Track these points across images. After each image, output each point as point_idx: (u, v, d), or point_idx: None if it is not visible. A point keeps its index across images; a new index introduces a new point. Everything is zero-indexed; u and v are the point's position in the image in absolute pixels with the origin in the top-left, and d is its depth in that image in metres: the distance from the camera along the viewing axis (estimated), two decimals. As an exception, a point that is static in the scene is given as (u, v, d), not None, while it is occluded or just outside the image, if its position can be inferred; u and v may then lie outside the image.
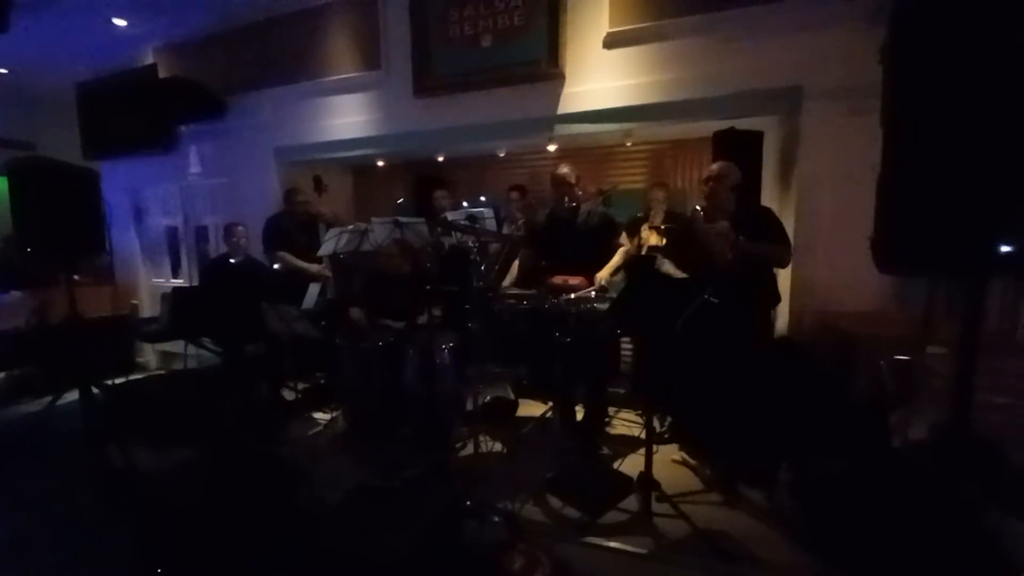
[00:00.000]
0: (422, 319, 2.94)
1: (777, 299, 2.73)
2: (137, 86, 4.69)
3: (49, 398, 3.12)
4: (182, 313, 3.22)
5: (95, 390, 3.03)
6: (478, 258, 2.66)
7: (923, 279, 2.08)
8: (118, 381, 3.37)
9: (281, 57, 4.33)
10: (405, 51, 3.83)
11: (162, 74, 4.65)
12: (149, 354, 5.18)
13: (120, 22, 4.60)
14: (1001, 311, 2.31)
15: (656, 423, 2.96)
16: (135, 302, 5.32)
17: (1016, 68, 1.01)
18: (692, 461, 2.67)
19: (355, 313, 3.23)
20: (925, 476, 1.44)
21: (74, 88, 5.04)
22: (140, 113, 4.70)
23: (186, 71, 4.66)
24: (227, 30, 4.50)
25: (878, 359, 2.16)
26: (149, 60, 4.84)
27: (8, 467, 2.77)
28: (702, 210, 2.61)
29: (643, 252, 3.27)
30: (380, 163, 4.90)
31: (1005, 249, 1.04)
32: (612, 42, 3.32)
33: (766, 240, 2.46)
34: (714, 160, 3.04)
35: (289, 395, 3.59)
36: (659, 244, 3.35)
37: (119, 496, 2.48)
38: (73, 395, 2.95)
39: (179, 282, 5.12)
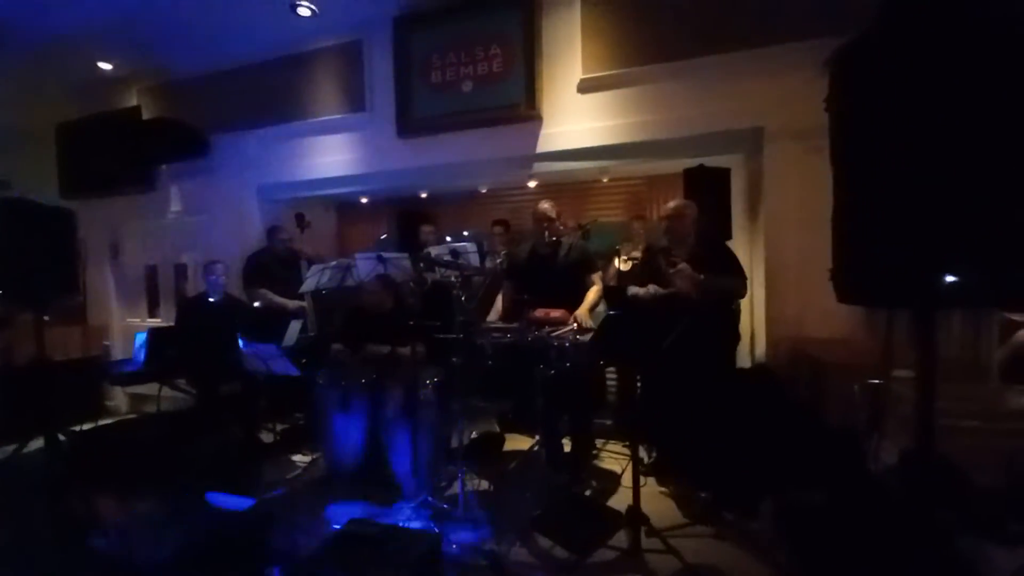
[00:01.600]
0: (405, 354, 2.92)
1: (737, 338, 2.86)
2: (120, 126, 4.72)
3: (13, 447, 2.96)
4: (158, 354, 3.14)
5: (61, 437, 2.90)
6: (461, 293, 2.69)
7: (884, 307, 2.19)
8: (86, 427, 3.23)
9: (267, 99, 4.44)
10: (389, 94, 3.97)
11: (146, 115, 4.70)
12: (120, 397, 4.98)
13: (106, 66, 4.68)
14: (962, 336, 2.43)
15: (644, 455, 2.96)
16: (107, 343, 5.15)
17: (945, 110, 1.12)
18: (679, 493, 2.65)
19: (337, 349, 3.19)
20: (898, 501, 1.47)
21: (54, 127, 5.04)
22: (122, 153, 4.71)
23: (170, 112, 4.72)
24: (213, 73, 4.61)
25: (850, 384, 2.23)
26: (133, 102, 4.90)
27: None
28: (665, 248, 2.76)
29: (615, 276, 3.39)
30: (364, 200, 4.96)
31: (950, 280, 1.12)
32: (586, 87, 3.51)
33: (724, 271, 2.65)
34: (685, 195, 3.20)
35: (267, 437, 3.48)
36: (626, 270, 3.49)
37: (83, 553, 2.34)
38: (39, 443, 2.82)
39: (156, 321, 4.99)
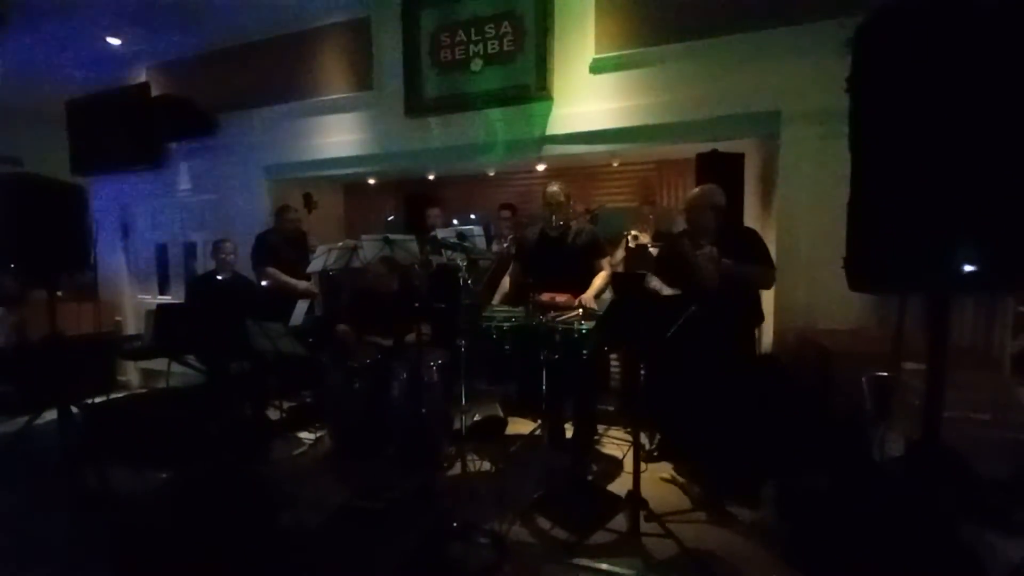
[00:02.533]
0: (410, 336, 2.94)
1: (760, 318, 2.77)
2: (129, 104, 4.71)
3: (26, 418, 3.03)
4: (167, 330, 3.18)
5: (74, 410, 2.96)
6: (467, 275, 2.68)
7: (897, 297, 2.14)
8: (98, 400, 3.30)
9: (274, 77, 4.40)
10: (397, 73, 3.91)
11: (155, 92, 4.68)
12: (132, 372, 5.08)
13: (114, 41, 4.65)
14: (975, 327, 2.38)
15: (645, 440, 2.97)
16: (119, 319, 5.24)
17: (971, 96, 1.07)
18: (680, 479, 2.67)
19: (342, 330, 3.21)
20: (904, 490, 1.46)
21: (64, 105, 5.05)
22: (131, 130, 4.72)
23: (179, 89, 4.70)
24: (221, 50, 4.57)
25: (858, 375, 2.21)
26: (142, 79, 4.87)
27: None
28: (686, 232, 2.67)
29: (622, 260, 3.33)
30: (371, 181, 4.94)
31: (967, 268, 1.08)
32: (598, 67, 3.43)
33: (750, 261, 2.52)
34: (697, 180, 3.13)
35: (274, 414, 3.53)
36: (646, 243, 3.41)
37: (97, 520, 2.41)
38: (52, 415, 2.88)
39: (166, 299, 5.05)
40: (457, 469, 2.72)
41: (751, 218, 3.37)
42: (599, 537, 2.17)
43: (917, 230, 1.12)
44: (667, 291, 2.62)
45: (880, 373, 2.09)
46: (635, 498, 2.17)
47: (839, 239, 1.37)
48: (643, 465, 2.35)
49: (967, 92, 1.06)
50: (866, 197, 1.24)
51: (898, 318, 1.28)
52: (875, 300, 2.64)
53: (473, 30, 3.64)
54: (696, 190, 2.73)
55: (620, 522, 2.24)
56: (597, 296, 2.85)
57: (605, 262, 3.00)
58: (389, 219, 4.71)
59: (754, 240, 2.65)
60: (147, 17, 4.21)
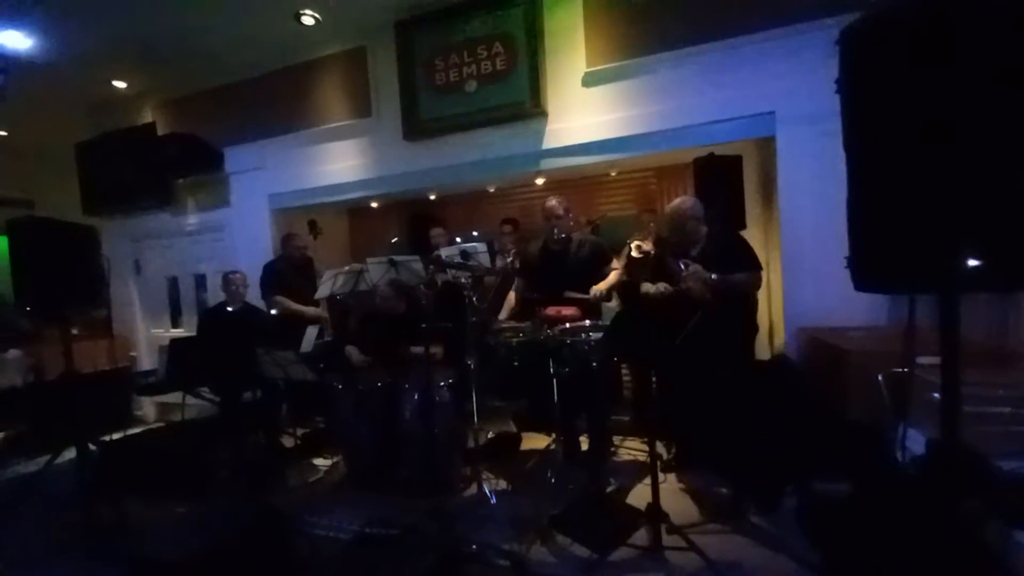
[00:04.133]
0: (419, 357, 2.94)
1: (755, 329, 2.78)
2: (136, 143, 4.84)
3: (46, 457, 3.07)
4: (181, 364, 3.21)
5: (92, 447, 2.99)
6: (472, 293, 2.69)
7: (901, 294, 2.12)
8: (115, 437, 3.33)
9: (275, 109, 4.51)
10: (394, 98, 4.00)
11: (160, 131, 4.82)
12: (147, 406, 5.13)
13: (120, 84, 4.80)
14: (988, 319, 2.34)
15: (663, 451, 2.93)
16: (133, 354, 5.31)
17: (968, 88, 1.07)
18: (699, 489, 2.62)
19: (351, 353, 3.23)
20: (926, 492, 1.43)
21: (73, 146, 5.20)
22: (140, 169, 4.84)
23: (184, 126, 4.82)
24: (223, 86, 4.70)
25: (872, 374, 2.17)
26: (148, 118, 5.02)
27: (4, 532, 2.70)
28: (674, 244, 2.69)
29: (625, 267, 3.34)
30: (374, 204, 5.01)
31: (972, 264, 1.07)
32: (590, 80, 3.48)
33: (738, 266, 2.55)
34: (695, 185, 3.15)
35: (288, 441, 3.54)
36: (648, 251, 3.41)
37: (116, 556, 2.41)
38: (71, 453, 2.92)
39: (179, 331, 5.12)
40: (473, 489, 2.69)
41: (753, 219, 3.36)
42: (621, 553, 2.13)
43: (917, 228, 1.11)
44: (659, 290, 2.65)
45: (896, 370, 2.06)
46: (655, 511, 2.13)
47: (843, 237, 1.36)
48: (661, 476, 2.31)
49: (965, 84, 1.06)
50: (864, 196, 1.24)
51: (909, 313, 1.27)
52: (886, 297, 2.61)
53: (466, 52, 3.71)
54: (669, 207, 2.77)
55: (641, 536, 2.20)
56: (610, 289, 2.87)
57: (616, 262, 3.02)
58: (393, 241, 4.76)
59: (740, 245, 2.68)
60: (150, 60, 4.36)
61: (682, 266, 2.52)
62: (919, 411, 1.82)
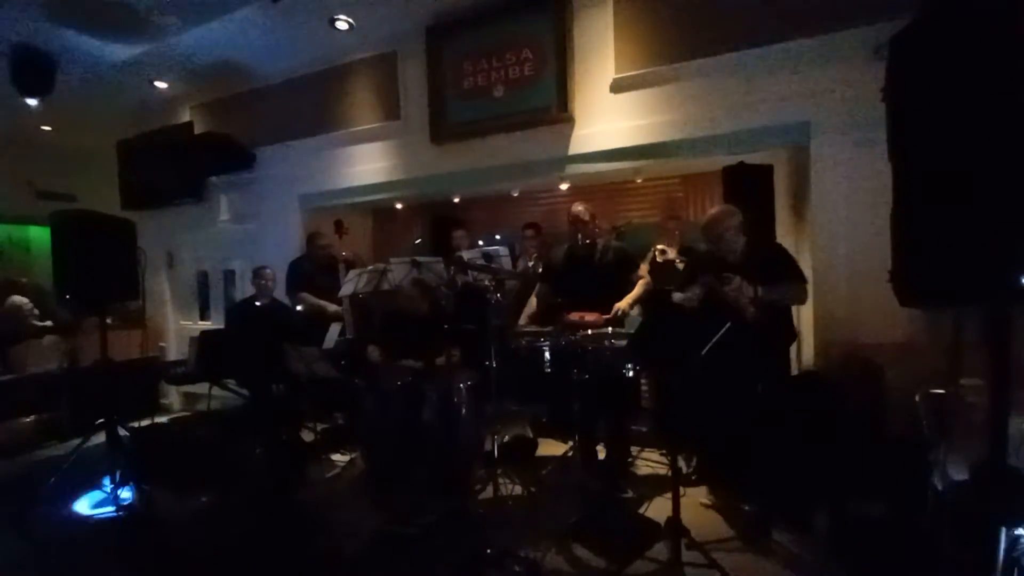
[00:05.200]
0: (440, 358, 2.95)
1: (793, 337, 2.68)
2: (174, 142, 5.03)
3: (77, 441, 3.18)
4: (210, 355, 3.30)
5: (123, 433, 3.09)
6: (494, 296, 2.69)
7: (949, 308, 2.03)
8: (144, 424, 3.43)
9: (307, 112, 4.63)
10: (422, 102, 4.05)
11: (197, 130, 4.99)
12: (173, 395, 5.27)
13: (162, 84, 5.00)
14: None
15: (683, 464, 2.87)
16: (163, 344, 5.48)
17: (1011, 100, 1.03)
18: (721, 504, 2.55)
19: (372, 352, 3.26)
20: (965, 517, 1.36)
21: (114, 144, 5.43)
22: (176, 166, 5.02)
23: (219, 126, 4.99)
24: (258, 88, 4.85)
25: (909, 393, 2.08)
26: (186, 118, 5.20)
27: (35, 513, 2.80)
28: (711, 257, 2.60)
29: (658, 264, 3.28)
30: (399, 205, 5.07)
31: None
32: (619, 87, 3.46)
33: (781, 278, 2.45)
34: (724, 194, 3.09)
35: (308, 436, 3.59)
36: (673, 259, 3.34)
37: (141, 542, 2.48)
38: (100, 438, 3.02)
39: (206, 324, 5.26)
40: (489, 492, 2.68)
41: (783, 230, 3.28)
42: (638, 566, 2.09)
43: (966, 241, 1.07)
44: (689, 299, 2.57)
45: (935, 390, 1.97)
46: (675, 525, 2.08)
47: (879, 250, 1.32)
48: (682, 489, 2.26)
49: (1010, 99, 1.02)
50: (910, 208, 1.20)
51: (953, 330, 1.22)
52: (925, 312, 2.51)
53: (494, 58, 3.74)
54: (707, 216, 2.65)
55: (660, 550, 2.15)
56: (633, 305, 2.82)
57: (643, 270, 2.98)
58: (416, 242, 4.81)
59: (782, 256, 2.57)
60: (191, 64, 4.53)
61: (726, 279, 2.41)
62: (961, 433, 1.74)
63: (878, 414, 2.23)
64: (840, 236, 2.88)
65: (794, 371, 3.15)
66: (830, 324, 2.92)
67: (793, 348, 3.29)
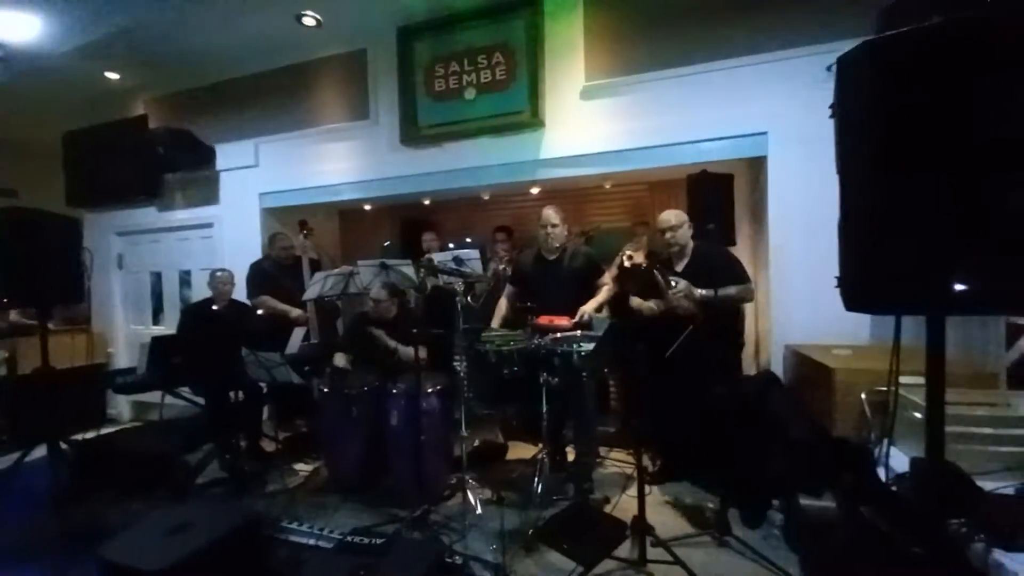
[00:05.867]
0: (407, 362, 2.91)
1: (741, 344, 2.82)
2: (126, 136, 4.76)
3: (17, 454, 2.96)
4: (162, 362, 3.13)
5: (64, 446, 2.90)
6: (463, 299, 2.68)
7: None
8: (88, 436, 3.22)
9: (271, 108, 4.48)
10: (393, 103, 4.00)
11: (152, 124, 4.75)
12: (122, 405, 4.98)
13: (113, 75, 4.73)
14: (968, 340, 2.41)
15: (648, 463, 2.93)
16: (111, 351, 5.16)
17: (955, 120, 1.12)
18: (685, 501, 2.63)
19: (339, 359, 3.19)
20: (909, 510, 1.45)
21: (60, 137, 5.09)
22: (128, 162, 4.75)
23: (176, 121, 4.76)
24: (219, 82, 4.66)
25: (857, 392, 2.21)
26: (140, 111, 4.94)
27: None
28: (661, 260, 2.73)
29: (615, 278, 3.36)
30: (367, 207, 4.98)
31: (960, 288, 1.10)
32: (588, 94, 3.53)
33: (727, 280, 2.58)
34: (688, 201, 3.20)
35: (269, 445, 3.46)
36: (640, 263, 3.42)
37: (87, 559, 2.32)
38: (42, 451, 2.82)
39: (160, 329, 5.00)
40: (458, 498, 2.66)
41: (743, 237, 3.42)
42: (605, 565, 2.12)
43: (906, 251, 1.14)
44: (648, 306, 2.67)
45: (879, 388, 2.10)
46: (641, 523, 2.13)
47: (831, 256, 1.39)
48: (647, 488, 2.31)
49: (955, 113, 1.10)
50: (855, 219, 1.27)
51: (895, 333, 1.31)
52: (868, 316, 2.67)
53: (466, 60, 3.74)
54: (667, 215, 2.77)
55: (626, 548, 2.19)
56: (598, 309, 2.88)
57: (607, 277, 3.04)
58: (385, 244, 4.73)
59: (728, 259, 2.71)
60: (146, 54, 4.31)
61: (673, 283, 2.53)
62: (902, 429, 1.86)
63: (828, 411, 2.35)
64: (795, 242, 3.03)
65: (752, 371, 3.29)
66: (786, 326, 3.06)
67: (751, 349, 3.43)
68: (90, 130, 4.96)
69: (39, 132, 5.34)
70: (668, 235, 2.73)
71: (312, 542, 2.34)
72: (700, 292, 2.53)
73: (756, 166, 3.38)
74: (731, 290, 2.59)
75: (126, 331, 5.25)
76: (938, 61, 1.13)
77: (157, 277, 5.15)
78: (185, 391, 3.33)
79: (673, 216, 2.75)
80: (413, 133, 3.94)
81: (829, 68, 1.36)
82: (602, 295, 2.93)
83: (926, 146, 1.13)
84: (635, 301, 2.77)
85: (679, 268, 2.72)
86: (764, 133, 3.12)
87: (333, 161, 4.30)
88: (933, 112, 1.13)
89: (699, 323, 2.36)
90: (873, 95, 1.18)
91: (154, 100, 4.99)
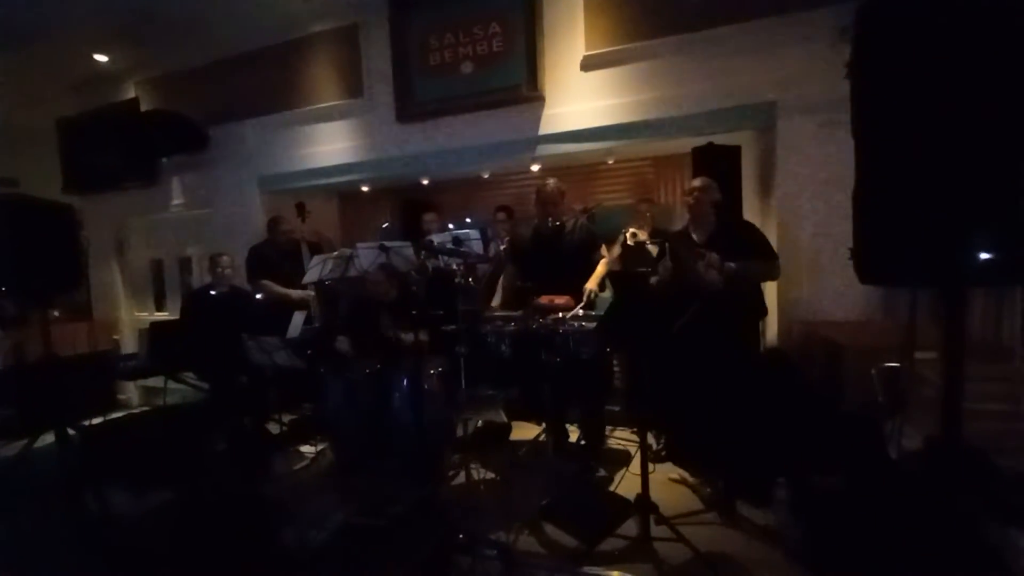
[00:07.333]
0: (409, 344, 2.88)
1: (764, 311, 2.73)
2: (119, 120, 4.67)
3: (23, 442, 2.99)
4: (161, 348, 3.13)
5: (71, 432, 2.92)
6: (464, 280, 2.63)
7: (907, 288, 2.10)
8: (95, 421, 3.25)
9: (263, 88, 4.37)
10: (387, 79, 3.88)
11: (144, 107, 4.65)
12: (131, 391, 5.03)
13: (102, 58, 4.62)
14: (984, 315, 2.33)
15: (652, 441, 2.91)
16: (116, 337, 5.19)
17: (980, 78, 1.03)
18: (690, 479, 2.61)
19: (342, 343, 3.16)
20: (921, 487, 1.41)
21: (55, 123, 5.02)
22: (122, 147, 4.68)
23: (169, 103, 4.66)
24: (210, 63, 4.54)
25: (868, 368, 2.15)
26: (131, 94, 4.84)
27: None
28: (684, 232, 2.62)
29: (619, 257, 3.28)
30: (365, 188, 4.90)
31: (983, 257, 1.04)
32: (589, 64, 3.39)
33: (752, 256, 2.48)
34: (694, 175, 3.09)
35: (274, 428, 3.48)
36: (644, 240, 3.34)
37: (97, 544, 2.36)
38: (50, 437, 2.84)
39: (163, 315, 5.01)
40: (462, 478, 2.66)
41: (750, 211, 3.32)
42: (609, 544, 2.12)
43: (928, 220, 1.07)
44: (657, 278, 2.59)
45: (891, 364, 2.04)
46: (644, 502, 2.12)
47: (841, 230, 1.33)
48: (651, 466, 2.30)
49: (978, 76, 1.01)
50: (872, 186, 1.19)
51: (910, 307, 1.24)
52: (881, 290, 2.59)
53: (461, 32, 3.60)
54: (696, 180, 2.69)
55: (630, 527, 2.19)
56: (601, 286, 2.82)
57: (604, 250, 2.96)
58: (384, 226, 4.66)
59: (754, 233, 2.61)
60: (133, 33, 4.19)
61: (700, 255, 2.43)
62: (915, 405, 1.81)
63: (838, 387, 2.31)
64: (804, 216, 2.93)
65: (760, 348, 3.23)
66: (794, 303, 2.99)
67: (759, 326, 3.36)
68: (81, 116, 4.88)
69: (36, 119, 5.26)
70: (692, 197, 2.63)
71: (318, 524, 2.35)
72: (730, 265, 2.42)
73: (765, 137, 3.26)
74: (758, 265, 2.49)
75: (130, 318, 5.27)
76: (972, 15, 1.03)
77: (157, 264, 5.13)
78: (190, 376, 3.34)
79: (700, 180, 2.66)
80: (409, 109, 3.83)
81: (843, 31, 1.27)
82: (600, 269, 2.86)
83: (954, 105, 1.04)
84: (655, 278, 2.67)
85: (701, 240, 2.62)
86: (773, 102, 2.98)
87: (328, 142, 4.20)
88: (961, 71, 1.03)
89: (721, 297, 2.28)
90: (898, 50, 1.09)
91: (144, 83, 4.88)
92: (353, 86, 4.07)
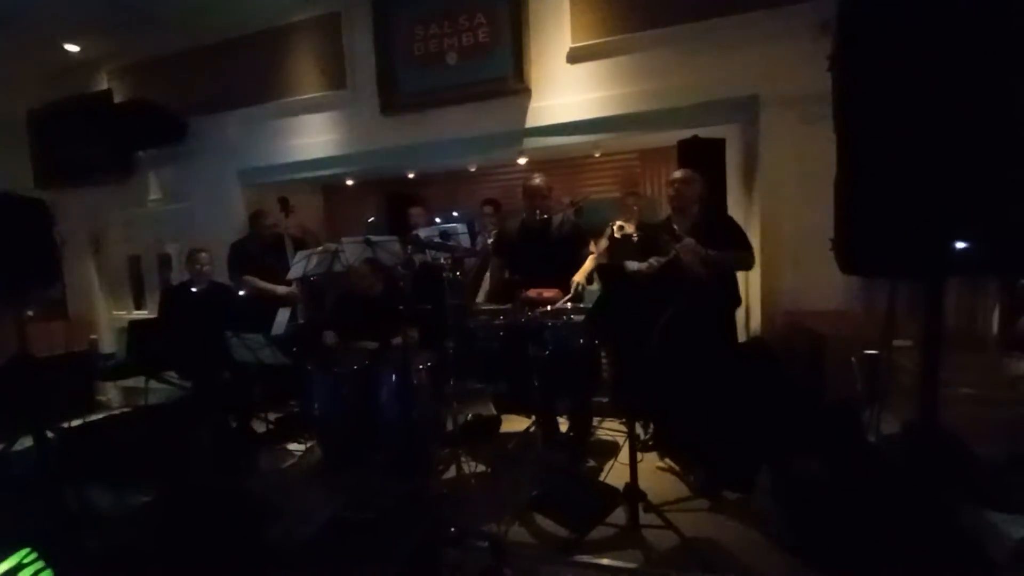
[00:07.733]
0: (396, 339, 2.87)
1: (738, 301, 2.80)
2: (91, 111, 4.51)
3: (1, 446, 2.90)
4: (141, 347, 3.06)
5: (50, 434, 2.84)
6: (451, 274, 2.62)
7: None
8: (74, 424, 3.17)
9: (243, 78, 4.25)
10: (370, 70, 3.81)
11: (118, 98, 4.50)
12: (111, 391, 4.91)
13: (73, 48, 4.45)
14: (959, 306, 2.40)
15: (640, 430, 2.95)
16: (94, 337, 5.05)
17: (961, 71, 1.04)
18: (676, 468, 2.66)
19: (328, 338, 3.13)
20: (899, 472, 1.46)
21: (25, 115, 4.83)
22: (96, 139, 4.52)
23: (144, 94, 4.51)
24: (185, 51, 4.40)
25: (847, 356, 2.21)
26: (104, 85, 4.68)
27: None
28: (668, 221, 2.67)
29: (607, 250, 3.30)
30: (349, 182, 4.83)
31: (960, 247, 1.06)
32: (575, 57, 3.37)
33: (730, 246, 2.56)
34: (679, 167, 3.11)
35: (260, 427, 3.44)
36: (631, 233, 3.37)
37: (79, 547, 2.31)
38: (28, 441, 2.76)
39: (142, 314, 4.88)
40: (452, 472, 2.67)
41: (734, 203, 3.35)
42: (599, 532, 2.15)
43: (907, 211, 1.09)
44: (642, 267, 2.63)
45: (870, 352, 2.10)
46: (633, 490, 2.15)
47: (823, 222, 1.34)
48: (639, 455, 2.33)
49: (958, 68, 1.03)
50: (853, 177, 1.21)
51: (889, 297, 1.27)
52: (861, 280, 2.65)
53: (447, 23, 3.55)
54: (677, 172, 2.74)
55: (619, 515, 2.22)
56: (588, 279, 2.84)
57: (592, 246, 2.98)
58: (370, 220, 4.61)
59: (732, 226, 2.69)
60: (104, 21, 4.03)
61: (680, 237, 2.50)
62: (893, 393, 1.86)
63: (819, 377, 2.36)
64: (786, 208, 2.98)
65: (742, 338, 3.29)
66: (776, 293, 3.05)
67: (741, 316, 3.42)
68: (52, 107, 4.70)
69: (5, 111, 5.04)
70: (673, 188, 2.69)
71: (306, 520, 2.34)
72: (708, 251, 2.50)
73: (749, 130, 3.29)
74: (735, 254, 2.58)
75: (108, 316, 5.13)
76: (954, 9, 1.04)
77: (135, 260, 4.99)
78: (171, 375, 3.27)
79: (682, 172, 2.72)
80: (394, 101, 3.77)
81: (825, 25, 1.28)
82: (589, 263, 2.88)
83: (934, 98, 1.06)
84: (631, 264, 2.72)
85: (683, 231, 2.66)
86: (756, 95, 3.01)
87: (311, 134, 4.12)
88: (946, 59, 1.05)
89: (700, 284, 2.33)
90: (879, 41, 1.10)
91: (118, 73, 4.71)
92: (336, 77, 3.99)
